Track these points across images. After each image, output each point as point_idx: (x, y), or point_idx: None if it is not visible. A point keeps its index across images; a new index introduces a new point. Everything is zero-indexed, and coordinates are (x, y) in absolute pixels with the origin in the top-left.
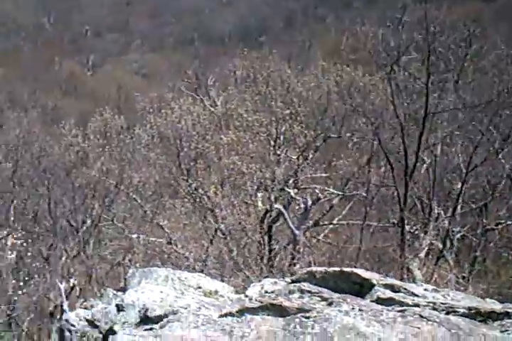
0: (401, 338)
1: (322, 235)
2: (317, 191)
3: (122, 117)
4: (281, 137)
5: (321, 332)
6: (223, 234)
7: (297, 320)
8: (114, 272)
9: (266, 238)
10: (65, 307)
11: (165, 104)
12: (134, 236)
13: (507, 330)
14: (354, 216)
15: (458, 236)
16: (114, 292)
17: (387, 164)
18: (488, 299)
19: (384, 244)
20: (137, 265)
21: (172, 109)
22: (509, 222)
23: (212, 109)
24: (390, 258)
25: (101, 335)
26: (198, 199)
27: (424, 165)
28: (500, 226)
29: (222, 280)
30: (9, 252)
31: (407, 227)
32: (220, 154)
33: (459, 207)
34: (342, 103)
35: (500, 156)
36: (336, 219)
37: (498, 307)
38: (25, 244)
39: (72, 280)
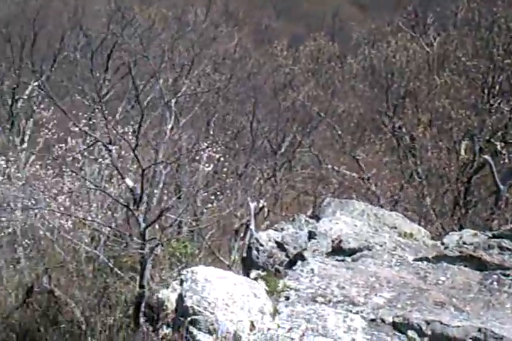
0: None
1: None
2: None
3: (336, 44)
4: (497, 87)
5: None
6: (419, 178)
7: (495, 276)
8: (300, 200)
9: (464, 188)
10: (252, 226)
11: (381, 37)
12: (329, 166)
13: None
14: None
15: None
16: (307, 218)
17: None
18: None
19: None
20: (329, 196)
21: (388, 43)
22: None
23: (427, 49)
24: None
25: (287, 259)
26: (401, 138)
27: None
28: None
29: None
30: (206, 165)
31: None
32: (431, 96)
33: None
34: None
35: None
36: None
37: None
38: (222, 159)
39: (262, 202)
